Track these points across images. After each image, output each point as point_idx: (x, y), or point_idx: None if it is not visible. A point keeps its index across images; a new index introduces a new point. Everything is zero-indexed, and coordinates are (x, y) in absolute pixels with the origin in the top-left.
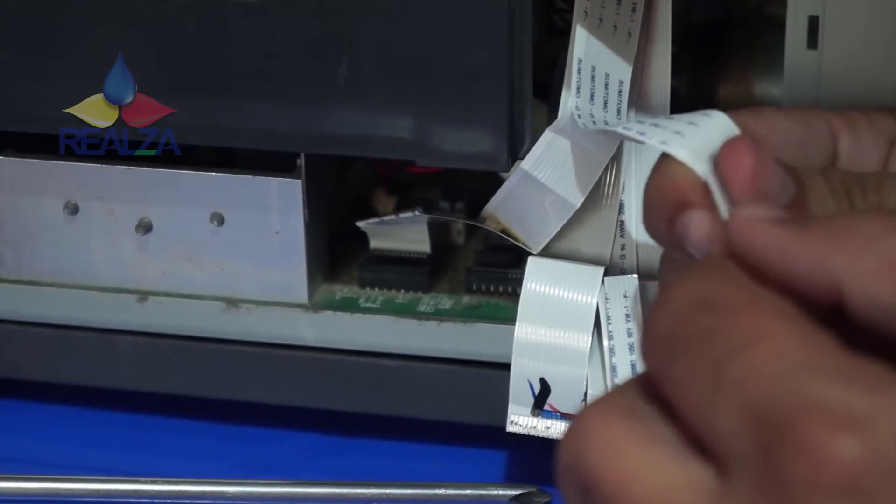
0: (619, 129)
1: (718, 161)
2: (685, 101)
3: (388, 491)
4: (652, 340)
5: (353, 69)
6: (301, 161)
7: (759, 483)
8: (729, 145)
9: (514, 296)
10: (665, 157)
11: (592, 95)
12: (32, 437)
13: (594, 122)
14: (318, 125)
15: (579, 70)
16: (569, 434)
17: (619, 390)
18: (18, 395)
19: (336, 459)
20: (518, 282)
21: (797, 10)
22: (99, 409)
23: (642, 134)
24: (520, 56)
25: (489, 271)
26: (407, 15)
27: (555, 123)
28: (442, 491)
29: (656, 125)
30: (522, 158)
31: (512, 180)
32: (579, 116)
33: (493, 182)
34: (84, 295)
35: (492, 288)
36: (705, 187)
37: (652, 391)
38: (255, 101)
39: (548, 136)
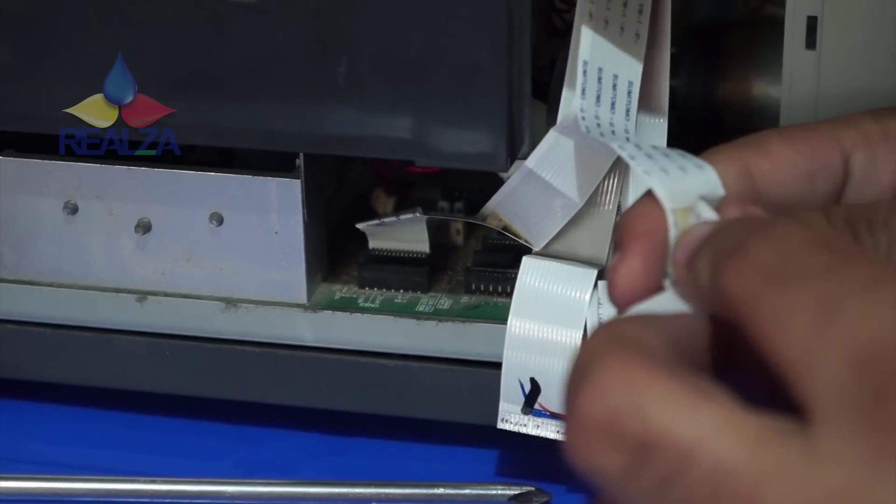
0: (614, 145)
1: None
2: (685, 101)
3: (387, 491)
4: (753, 270)
5: (352, 69)
6: (300, 161)
7: (861, 433)
8: (724, 207)
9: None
10: (651, 191)
11: (599, 97)
12: (32, 437)
13: (598, 125)
14: (318, 125)
15: (585, 72)
16: (605, 389)
17: (632, 341)
18: (18, 395)
19: (336, 459)
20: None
21: (796, 11)
22: (99, 408)
23: (633, 158)
24: (519, 56)
25: (488, 271)
26: (406, 15)
27: (559, 123)
28: (441, 490)
29: (649, 156)
30: (521, 158)
31: (515, 178)
32: (583, 119)
33: (492, 182)
34: (83, 295)
35: (491, 288)
36: (654, 238)
37: (660, 345)
38: (255, 101)
39: (552, 135)
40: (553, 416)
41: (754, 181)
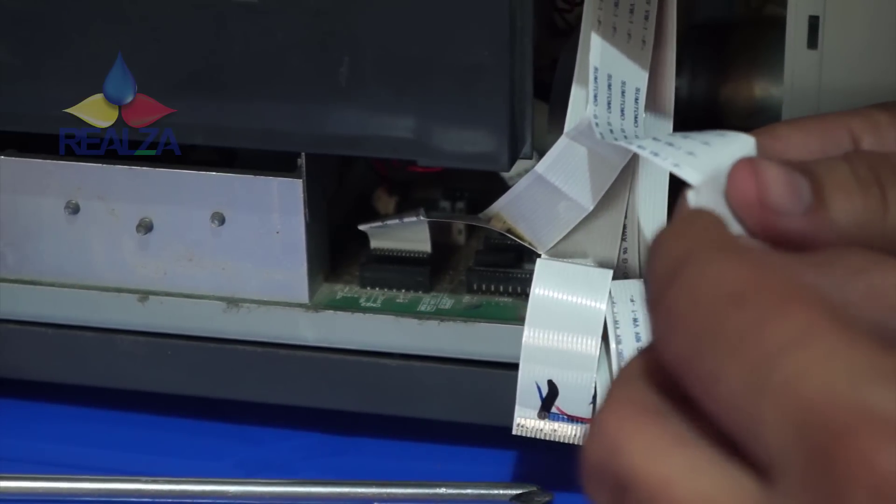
0: (634, 147)
1: (726, 190)
2: (686, 100)
3: (388, 490)
4: (678, 335)
5: (354, 69)
6: (302, 161)
7: (809, 492)
8: (733, 172)
9: (515, 295)
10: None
11: (609, 103)
12: (32, 437)
13: (611, 131)
14: (319, 125)
15: (596, 78)
16: (597, 433)
17: (633, 385)
18: (18, 395)
19: (336, 459)
20: (519, 281)
21: (797, 10)
22: (99, 408)
23: (655, 154)
24: (521, 56)
25: (490, 271)
26: (408, 15)
27: (572, 129)
28: (442, 490)
29: (670, 144)
30: (523, 158)
31: (523, 182)
32: (597, 125)
33: (494, 182)
34: (85, 294)
35: (492, 287)
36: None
37: (662, 384)
38: (256, 101)
39: (563, 141)
40: (571, 419)
41: None
